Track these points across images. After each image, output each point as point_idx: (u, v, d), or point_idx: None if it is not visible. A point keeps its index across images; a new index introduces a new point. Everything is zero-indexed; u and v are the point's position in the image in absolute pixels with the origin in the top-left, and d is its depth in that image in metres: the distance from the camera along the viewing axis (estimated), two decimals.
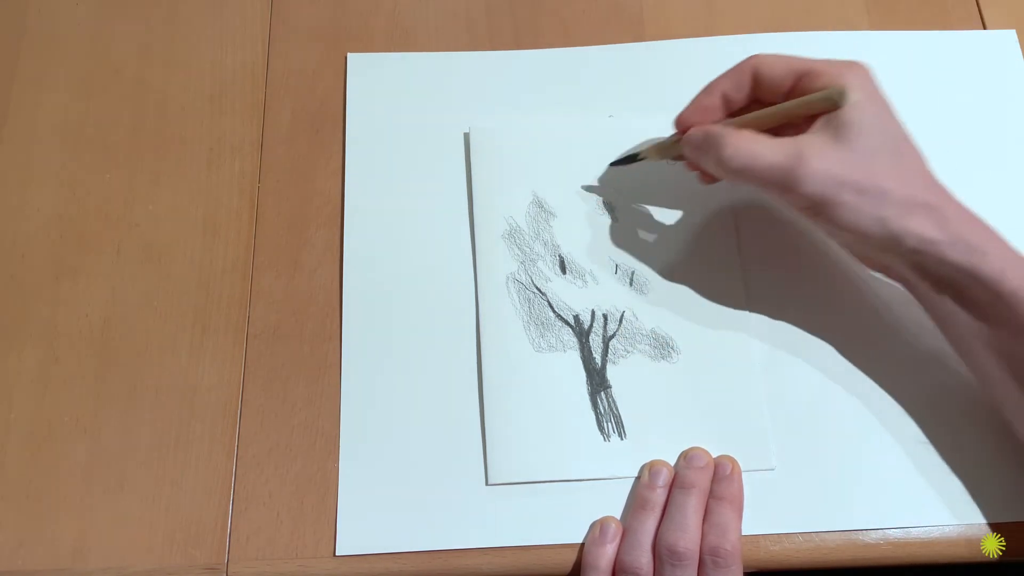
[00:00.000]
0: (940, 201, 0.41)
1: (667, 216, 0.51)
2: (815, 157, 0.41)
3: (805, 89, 0.43)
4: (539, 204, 0.51)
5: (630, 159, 0.50)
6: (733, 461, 0.45)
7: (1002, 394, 0.43)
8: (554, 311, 0.49)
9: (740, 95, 0.45)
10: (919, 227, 0.40)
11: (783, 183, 0.41)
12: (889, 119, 0.42)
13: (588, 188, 0.52)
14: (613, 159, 0.51)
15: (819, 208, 0.41)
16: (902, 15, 0.57)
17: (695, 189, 0.51)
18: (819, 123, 0.42)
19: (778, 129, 0.44)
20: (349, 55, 0.55)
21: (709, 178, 0.48)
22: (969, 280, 0.40)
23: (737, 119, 0.45)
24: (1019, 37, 0.56)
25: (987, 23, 0.57)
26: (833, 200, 0.41)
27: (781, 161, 0.41)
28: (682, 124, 0.47)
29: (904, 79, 0.55)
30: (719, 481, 0.44)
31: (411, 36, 0.56)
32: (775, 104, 0.44)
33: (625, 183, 0.51)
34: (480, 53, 0.55)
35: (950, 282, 0.41)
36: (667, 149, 0.48)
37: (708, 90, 0.46)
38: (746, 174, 0.42)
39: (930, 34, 0.56)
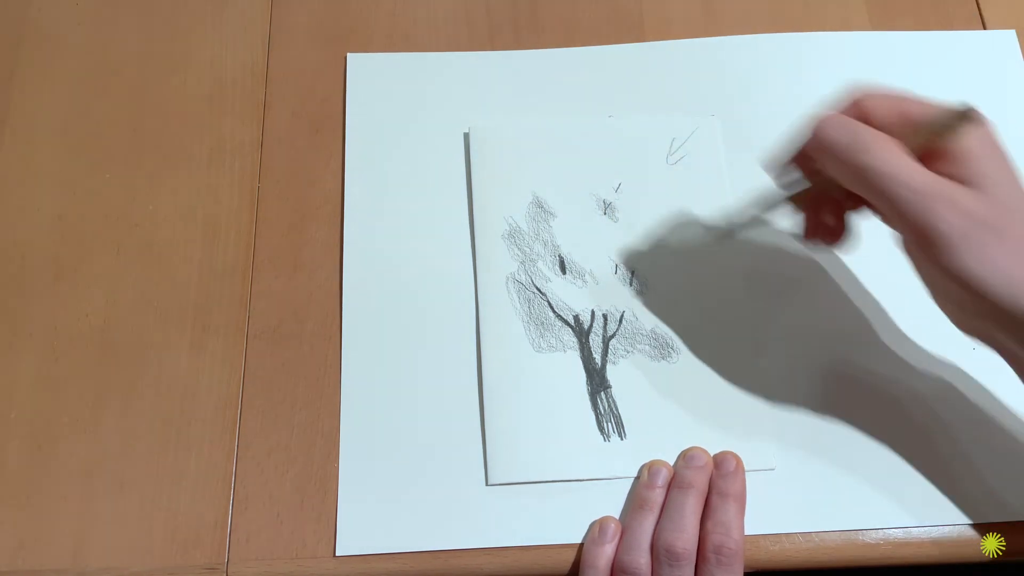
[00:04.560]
0: None
1: (667, 216, 0.51)
2: (958, 194, 0.37)
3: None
4: (539, 204, 0.51)
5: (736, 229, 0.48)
6: (736, 457, 0.45)
7: None
8: (554, 311, 0.49)
9: None
10: None
11: (917, 211, 0.37)
12: (1013, 171, 0.38)
13: (588, 188, 0.51)
14: (723, 233, 0.49)
15: (945, 252, 0.36)
16: (902, 15, 0.57)
17: (695, 189, 0.51)
18: (944, 172, 0.38)
19: None
20: (349, 55, 0.55)
21: (818, 235, 0.44)
22: None
23: None
24: (1019, 37, 0.56)
25: (987, 23, 0.57)
26: (965, 243, 0.36)
27: (927, 185, 0.37)
28: (777, 168, 0.43)
29: (904, 79, 0.55)
30: (723, 477, 0.44)
31: (411, 36, 0.56)
32: None
33: (625, 184, 0.51)
34: (480, 53, 0.55)
35: None
36: (771, 203, 0.45)
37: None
38: (884, 185, 0.37)
39: (930, 34, 0.56)
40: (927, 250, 0.37)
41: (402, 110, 0.54)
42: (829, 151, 0.39)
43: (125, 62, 0.55)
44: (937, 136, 0.38)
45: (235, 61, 0.55)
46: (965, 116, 0.37)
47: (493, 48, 0.56)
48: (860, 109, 0.40)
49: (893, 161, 0.37)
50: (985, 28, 0.57)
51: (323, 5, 0.57)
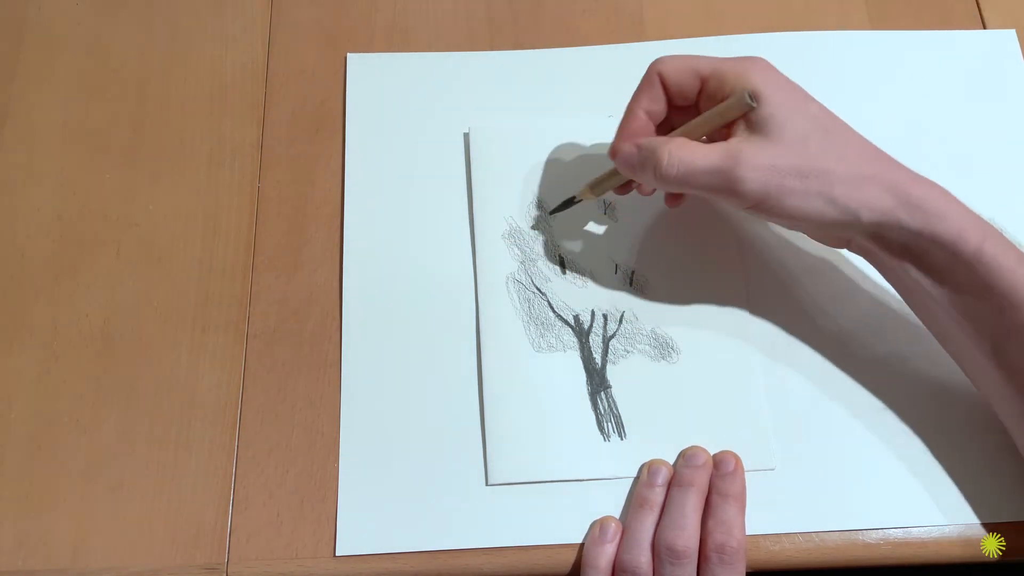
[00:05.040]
0: (886, 169, 0.41)
1: (667, 216, 0.51)
2: (750, 154, 0.41)
3: (712, 92, 0.43)
4: (539, 204, 0.51)
5: (567, 203, 0.50)
6: (736, 457, 0.45)
7: (965, 358, 0.43)
8: (554, 311, 0.49)
9: (660, 106, 0.45)
10: (872, 199, 0.40)
11: (723, 185, 0.41)
12: (805, 103, 0.42)
13: None
14: (551, 208, 0.50)
15: (765, 203, 0.41)
16: (902, 15, 0.57)
17: None
18: (740, 128, 0.42)
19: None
20: (349, 55, 0.55)
21: (649, 193, 0.48)
22: (928, 244, 0.40)
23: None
24: (1019, 37, 0.56)
25: (987, 23, 0.57)
26: (777, 191, 0.40)
27: (718, 163, 0.41)
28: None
29: (904, 79, 0.55)
30: (722, 477, 0.44)
31: (411, 36, 0.56)
32: (689, 108, 0.45)
33: None
34: (480, 53, 0.55)
35: (909, 248, 0.41)
36: (602, 184, 0.48)
37: (629, 113, 0.45)
38: (686, 181, 0.42)
39: (930, 34, 0.56)
40: (755, 209, 0.42)
41: (402, 110, 0.54)
42: (634, 175, 0.45)
43: (125, 62, 0.55)
44: (730, 111, 0.42)
45: (235, 61, 0.55)
46: (754, 95, 0.41)
47: (493, 48, 0.56)
48: (658, 78, 0.44)
49: (685, 158, 0.42)
50: (985, 28, 0.57)
51: (323, 5, 0.57)
